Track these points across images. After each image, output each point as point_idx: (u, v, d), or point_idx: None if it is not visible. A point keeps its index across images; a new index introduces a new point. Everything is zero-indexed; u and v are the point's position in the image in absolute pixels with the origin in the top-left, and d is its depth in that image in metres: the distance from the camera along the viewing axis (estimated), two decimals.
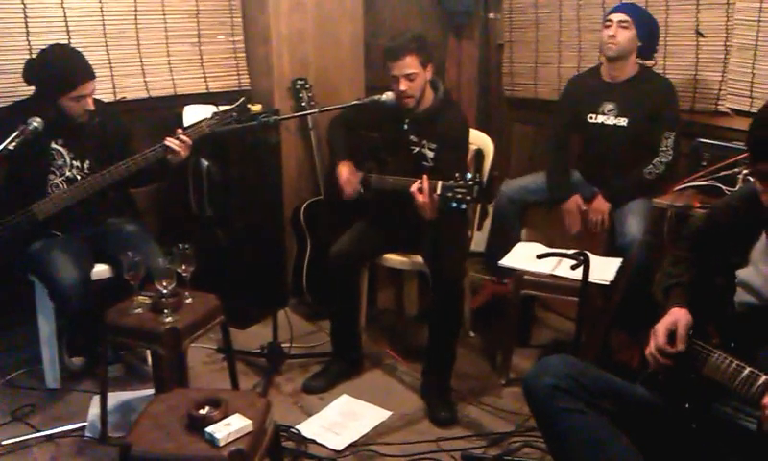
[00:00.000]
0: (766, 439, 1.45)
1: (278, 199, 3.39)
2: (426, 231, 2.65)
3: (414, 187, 2.47)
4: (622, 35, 2.88)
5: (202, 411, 1.72)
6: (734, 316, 1.70)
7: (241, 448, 1.63)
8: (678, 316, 1.68)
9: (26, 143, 2.37)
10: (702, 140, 2.78)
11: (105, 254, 2.65)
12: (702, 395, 1.62)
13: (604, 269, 2.53)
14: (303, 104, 3.34)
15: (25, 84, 2.56)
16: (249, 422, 1.69)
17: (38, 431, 2.43)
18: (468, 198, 2.38)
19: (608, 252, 2.80)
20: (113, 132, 2.74)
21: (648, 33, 2.94)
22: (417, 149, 2.74)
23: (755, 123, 1.54)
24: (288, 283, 3.44)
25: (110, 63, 3.10)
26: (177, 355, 2.20)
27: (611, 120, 2.99)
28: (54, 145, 2.60)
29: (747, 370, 1.49)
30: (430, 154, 2.72)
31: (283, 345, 2.87)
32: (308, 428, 2.48)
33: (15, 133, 2.34)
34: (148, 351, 2.76)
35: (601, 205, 2.96)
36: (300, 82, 3.38)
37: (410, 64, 2.59)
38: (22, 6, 2.82)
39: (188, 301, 2.31)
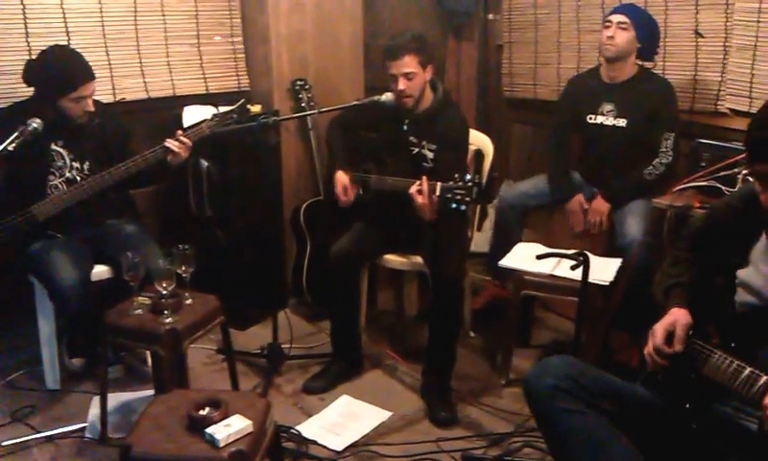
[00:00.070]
0: (767, 439, 1.45)
1: (278, 199, 3.38)
2: (426, 232, 2.65)
3: (413, 189, 2.47)
4: (621, 36, 2.88)
5: (202, 412, 1.71)
6: (735, 316, 1.70)
7: (241, 449, 1.63)
8: (677, 316, 1.69)
9: (26, 144, 2.36)
10: (701, 141, 2.79)
11: (104, 254, 2.65)
12: (702, 395, 1.62)
13: (604, 269, 2.53)
14: (303, 104, 3.34)
15: (24, 85, 2.57)
16: (249, 422, 1.69)
17: (38, 432, 2.43)
18: (468, 199, 2.38)
19: (607, 252, 2.80)
20: (113, 133, 2.74)
21: (648, 35, 2.94)
22: (416, 149, 2.74)
23: (753, 123, 1.54)
24: (288, 284, 3.44)
25: (110, 64, 3.10)
26: (177, 356, 2.20)
27: (610, 121, 3.00)
28: (54, 146, 2.60)
29: (747, 370, 1.49)
30: (430, 154, 2.72)
31: (283, 345, 2.87)
32: (308, 429, 2.48)
33: (15, 134, 2.34)
34: (148, 352, 2.76)
35: (600, 205, 2.96)
36: (299, 82, 3.38)
37: (408, 64, 2.59)
38: (22, 7, 2.82)
39: (188, 301, 2.31)
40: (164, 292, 2.20)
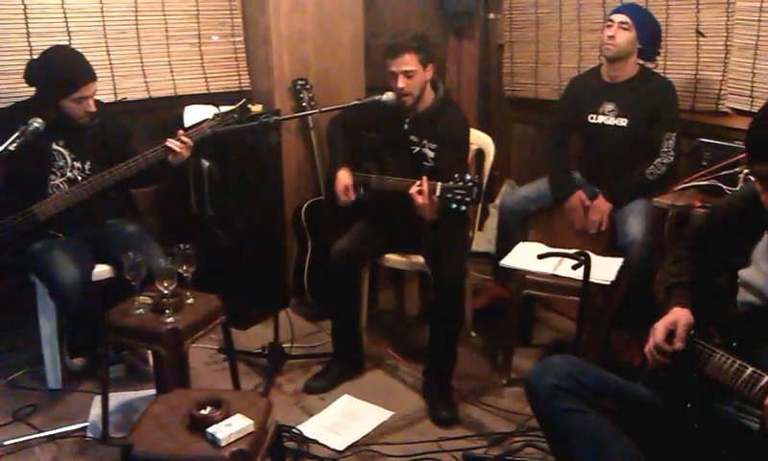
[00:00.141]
0: None
1: (279, 199, 3.39)
2: (427, 232, 2.65)
3: (413, 189, 2.48)
4: (621, 36, 2.87)
5: (203, 411, 1.72)
6: (736, 316, 1.70)
7: (243, 449, 1.63)
8: (679, 316, 1.68)
9: (27, 144, 2.36)
10: (702, 140, 2.79)
11: (105, 254, 2.65)
12: (704, 394, 1.62)
13: (605, 269, 2.53)
14: (304, 104, 3.34)
15: (26, 85, 2.57)
16: (250, 422, 1.69)
17: (40, 432, 2.43)
18: (468, 199, 2.38)
19: (609, 251, 2.80)
20: (114, 132, 2.74)
21: (650, 35, 2.93)
22: (417, 149, 2.74)
23: (754, 123, 1.54)
24: (289, 284, 3.44)
25: (111, 64, 3.10)
26: (178, 356, 2.20)
27: (611, 120, 2.99)
28: (55, 146, 2.60)
29: (749, 370, 1.49)
30: (430, 154, 2.73)
31: (284, 345, 2.87)
32: (309, 428, 2.48)
33: (16, 134, 2.34)
34: (149, 352, 2.76)
35: (602, 205, 2.95)
36: (300, 82, 3.38)
37: (408, 62, 2.59)
38: (23, 7, 2.82)
39: (189, 301, 2.31)
40: (165, 292, 2.20)
